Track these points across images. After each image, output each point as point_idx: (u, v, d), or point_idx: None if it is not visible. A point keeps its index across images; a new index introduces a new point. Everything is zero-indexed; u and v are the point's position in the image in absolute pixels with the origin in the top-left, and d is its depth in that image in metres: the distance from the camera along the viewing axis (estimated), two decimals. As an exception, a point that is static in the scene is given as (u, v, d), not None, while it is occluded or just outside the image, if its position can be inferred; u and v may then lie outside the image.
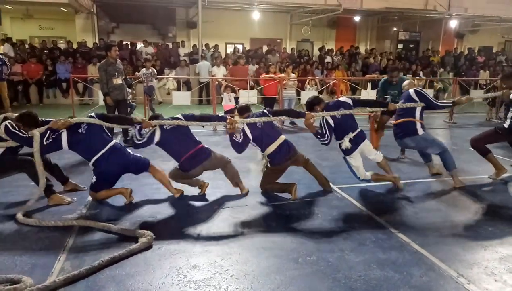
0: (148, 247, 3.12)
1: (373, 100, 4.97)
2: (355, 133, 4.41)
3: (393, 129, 4.97)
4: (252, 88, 10.15)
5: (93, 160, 3.92)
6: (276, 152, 4.25)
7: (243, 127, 4.25)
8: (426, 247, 3.20)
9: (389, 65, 14.12)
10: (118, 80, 6.52)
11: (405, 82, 5.32)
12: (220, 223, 3.66)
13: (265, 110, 4.49)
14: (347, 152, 4.43)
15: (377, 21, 18.97)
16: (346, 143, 4.36)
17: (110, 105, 6.58)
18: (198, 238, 3.35)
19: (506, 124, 4.78)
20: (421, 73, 13.81)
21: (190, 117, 4.22)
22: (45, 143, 3.80)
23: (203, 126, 4.46)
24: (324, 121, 4.43)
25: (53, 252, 3.05)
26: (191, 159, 4.11)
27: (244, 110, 4.47)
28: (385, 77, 6.37)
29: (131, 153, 4.16)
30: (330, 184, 4.64)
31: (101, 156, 3.91)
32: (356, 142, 4.40)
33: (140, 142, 4.07)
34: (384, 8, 15.98)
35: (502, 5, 17.43)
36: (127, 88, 6.83)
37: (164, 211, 3.94)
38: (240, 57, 10.67)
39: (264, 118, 4.29)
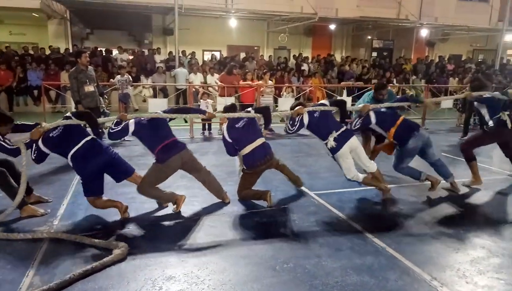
0: (122, 258, 3.04)
1: (345, 102, 4.90)
2: (339, 132, 4.42)
3: (397, 139, 4.66)
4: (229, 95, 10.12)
5: (69, 157, 3.75)
6: (251, 154, 4.25)
7: (222, 131, 4.33)
8: (401, 251, 3.26)
9: (363, 72, 14.44)
10: (89, 88, 6.38)
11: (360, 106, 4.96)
12: (197, 232, 3.62)
13: (248, 109, 4.52)
14: (334, 151, 4.41)
15: (352, 30, 19.36)
16: (331, 142, 4.37)
17: None
18: (174, 248, 3.29)
19: (491, 124, 4.92)
20: (394, 80, 14.17)
21: (169, 111, 4.32)
22: (33, 157, 3.75)
23: (186, 121, 4.41)
24: (299, 118, 4.47)
25: (21, 267, 2.93)
26: (167, 149, 4.01)
27: (229, 109, 4.47)
28: (368, 93, 5.91)
29: (115, 152, 4.04)
30: (306, 189, 4.70)
31: (77, 150, 3.74)
32: (341, 140, 4.38)
33: (114, 130, 3.99)
34: (359, 17, 16.36)
35: (470, 14, 18.22)
36: (99, 97, 6.69)
37: (139, 221, 3.86)
38: (234, 67, 10.43)
39: (243, 114, 4.33)
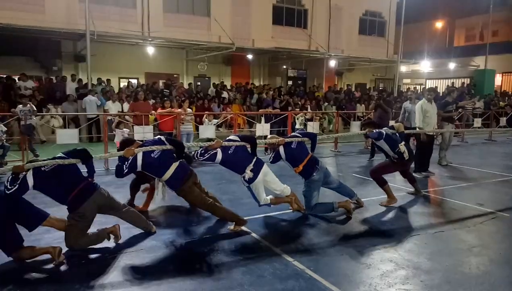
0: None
1: (254, 139, 5.04)
2: (253, 162, 4.58)
3: (303, 174, 4.90)
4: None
5: None
6: (172, 177, 4.21)
7: (136, 155, 4.05)
8: (319, 271, 3.38)
9: (281, 99, 15.14)
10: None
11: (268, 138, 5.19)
12: (111, 271, 3.37)
13: (161, 137, 4.39)
14: (251, 181, 4.55)
15: (268, 59, 20.37)
16: (248, 174, 4.52)
17: None
18: (86, 292, 3.02)
19: (396, 156, 5.40)
20: (309, 107, 15.07)
21: (72, 154, 3.82)
22: None
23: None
24: (213, 153, 4.49)
25: None
26: (79, 195, 3.67)
27: (128, 144, 4.23)
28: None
29: (24, 200, 3.62)
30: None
31: None
32: (256, 170, 4.56)
33: (11, 190, 3.45)
34: (273, 48, 17.32)
35: (370, 48, 20.45)
36: None
37: (43, 264, 3.48)
38: (137, 92, 10.13)
39: (159, 146, 4.20)
